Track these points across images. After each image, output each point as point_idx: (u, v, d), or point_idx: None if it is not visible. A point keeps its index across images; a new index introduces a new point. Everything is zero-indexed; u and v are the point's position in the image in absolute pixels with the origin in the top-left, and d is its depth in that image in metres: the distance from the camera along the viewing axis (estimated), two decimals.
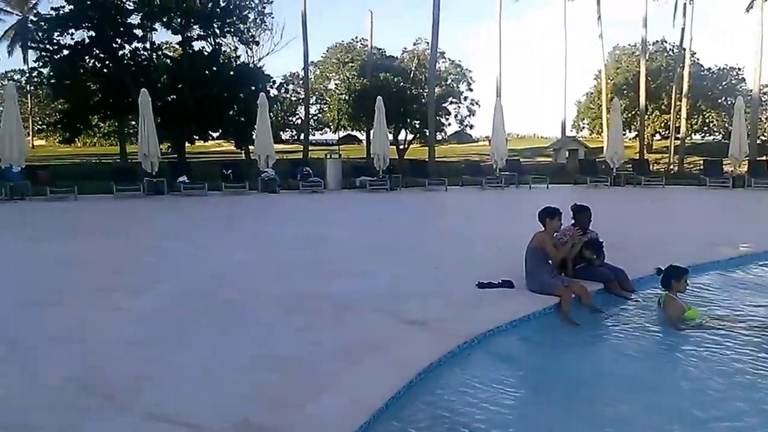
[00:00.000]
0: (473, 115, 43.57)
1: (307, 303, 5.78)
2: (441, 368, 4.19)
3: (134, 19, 29.27)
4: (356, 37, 46.79)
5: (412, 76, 40.20)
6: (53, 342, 4.68)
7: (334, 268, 7.44)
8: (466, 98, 43.16)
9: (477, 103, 43.48)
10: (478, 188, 19.59)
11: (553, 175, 23.52)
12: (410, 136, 41.97)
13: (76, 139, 38.58)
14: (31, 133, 50.54)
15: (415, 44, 42.62)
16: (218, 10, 30.02)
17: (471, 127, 45.53)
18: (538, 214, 6.20)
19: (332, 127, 48.77)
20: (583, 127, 55.17)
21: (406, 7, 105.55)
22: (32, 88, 37.70)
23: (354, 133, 51.21)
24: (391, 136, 30.03)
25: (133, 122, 34.86)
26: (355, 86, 40.70)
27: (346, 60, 45.45)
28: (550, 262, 6.13)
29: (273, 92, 35.47)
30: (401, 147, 40.49)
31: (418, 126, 39.66)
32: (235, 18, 30.95)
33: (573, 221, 6.52)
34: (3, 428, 3.24)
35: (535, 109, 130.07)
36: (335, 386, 3.77)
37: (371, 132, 29.19)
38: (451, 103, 42.75)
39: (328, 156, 21.03)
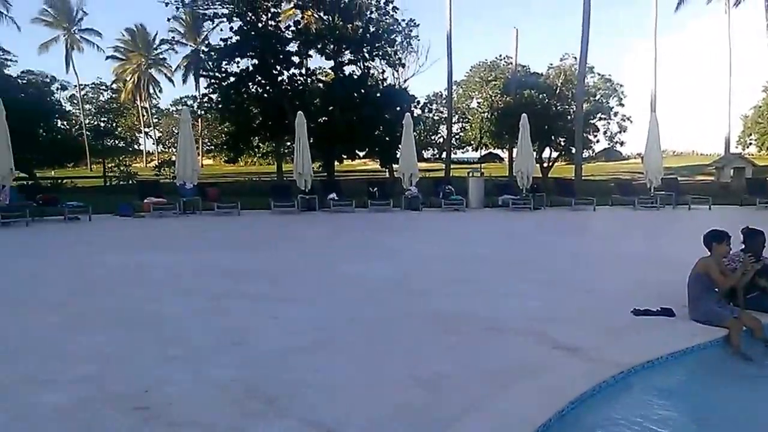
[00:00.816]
0: (624, 131, 41.33)
1: (454, 322, 5.79)
2: (595, 399, 4.00)
3: (292, 47, 31.34)
4: (500, 55, 46.48)
5: (557, 92, 39.07)
6: (222, 345, 5.09)
7: (479, 288, 7.42)
8: (616, 114, 41.10)
9: (629, 119, 41.23)
10: (629, 208, 18.55)
11: (716, 196, 21.64)
12: (555, 154, 40.74)
13: (239, 159, 41.75)
14: (200, 154, 55.60)
15: (561, 59, 41.46)
16: (368, 35, 31.21)
17: (621, 144, 43.15)
18: (704, 238, 5.76)
19: (474, 145, 48.66)
20: (750, 143, 50.33)
21: (552, 23, 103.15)
22: (202, 112, 41.47)
23: (496, 151, 50.67)
24: (534, 154, 29.33)
25: (289, 143, 37.17)
26: (497, 104, 40.33)
27: (489, 78, 45.24)
28: (716, 290, 5.66)
29: (417, 112, 36.14)
30: (545, 165, 39.41)
31: (563, 143, 38.41)
32: (383, 42, 32.01)
33: (743, 246, 5.98)
34: (177, 425, 3.58)
35: (693, 125, 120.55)
36: (483, 409, 3.74)
37: (514, 150, 28.72)
38: (600, 119, 40.89)
39: (471, 174, 21.00)
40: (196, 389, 4.13)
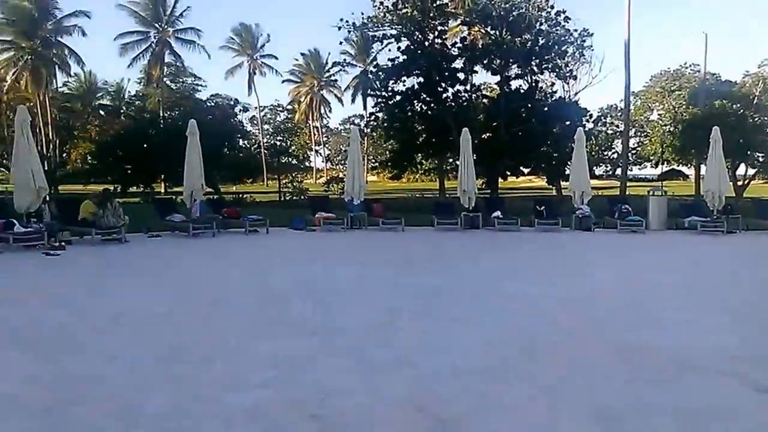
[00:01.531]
0: None
1: (635, 353, 5.26)
2: None
3: (458, 64, 31.36)
4: (685, 63, 42.86)
5: (755, 102, 35.04)
6: (392, 361, 5.01)
7: (662, 318, 6.68)
8: None
9: None
10: None
11: None
12: (751, 171, 36.51)
13: (402, 176, 42.57)
14: (366, 170, 57.69)
15: (760, 66, 37.23)
16: (537, 48, 30.31)
17: None
18: None
19: (653, 160, 45.20)
20: None
21: (749, 26, 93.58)
22: (368, 130, 42.96)
23: (679, 167, 46.61)
24: (728, 171, 26.39)
25: (451, 159, 37.13)
26: (682, 116, 37.11)
27: (672, 88, 41.86)
28: None
29: (588, 126, 34.33)
30: (740, 183, 35.42)
31: (761, 159, 34.30)
32: (553, 54, 30.88)
33: None
34: None
35: None
36: None
37: (701, 166, 26.05)
38: None
39: (651, 192, 19.25)
40: (368, 403, 4.11)
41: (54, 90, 53.56)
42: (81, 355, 5.14)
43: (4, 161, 43.99)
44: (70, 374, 4.64)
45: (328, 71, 71.52)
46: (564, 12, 30.35)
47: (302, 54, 73.95)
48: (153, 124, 43.05)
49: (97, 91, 65.03)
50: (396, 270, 10.29)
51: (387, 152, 41.18)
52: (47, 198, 13.77)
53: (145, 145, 39.04)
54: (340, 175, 44.63)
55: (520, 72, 31.55)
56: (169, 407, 3.98)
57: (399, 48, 30.96)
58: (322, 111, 78.42)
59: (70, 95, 61.62)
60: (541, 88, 32.77)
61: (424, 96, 31.81)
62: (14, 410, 3.94)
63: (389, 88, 32.30)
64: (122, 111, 61.00)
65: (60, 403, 4.06)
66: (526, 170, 35.21)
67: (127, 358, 5.01)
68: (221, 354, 5.20)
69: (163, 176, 42.83)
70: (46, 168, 29.98)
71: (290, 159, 63.22)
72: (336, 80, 72.35)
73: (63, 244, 12.12)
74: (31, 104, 45.23)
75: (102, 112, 62.57)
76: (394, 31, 31.52)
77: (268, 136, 75.95)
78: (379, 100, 33.44)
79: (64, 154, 57.72)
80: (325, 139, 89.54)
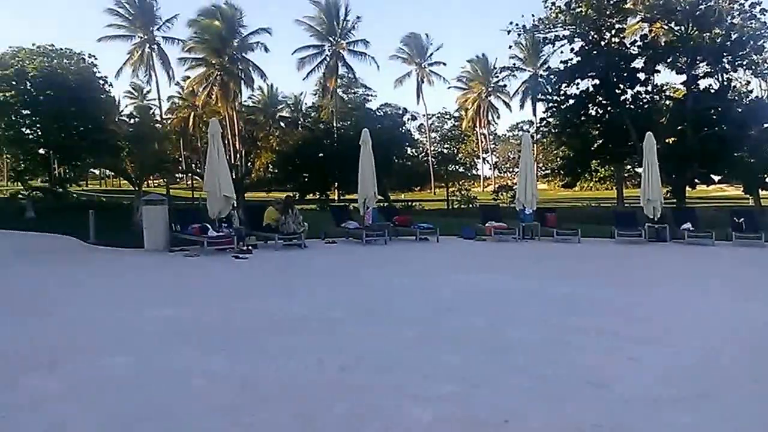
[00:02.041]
0: None
1: None
2: None
3: (637, 64, 29.24)
4: None
5: None
6: (577, 383, 4.63)
7: None
8: None
9: None
10: None
11: None
12: None
13: (575, 184, 40.73)
14: (535, 178, 55.99)
15: None
16: (729, 43, 27.33)
17: None
18: None
19: None
20: None
21: None
22: (539, 136, 41.65)
23: None
24: None
25: (629, 166, 34.71)
26: None
27: None
28: None
29: None
30: None
31: None
32: (748, 49, 27.66)
33: None
34: None
35: None
36: None
37: None
38: None
39: None
40: (556, 429, 3.78)
41: (240, 103, 58.72)
42: (264, 356, 5.33)
43: (198, 170, 48.85)
44: (260, 374, 4.80)
45: (496, 77, 70.76)
46: (759, 3, 27.06)
47: (469, 60, 74.03)
48: (328, 134, 45.48)
49: (277, 103, 70.29)
50: (573, 284, 9.67)
51: (558, 159, 39.60)
52: (235, 204, 14.89)
53: (320, 155, 41.37)
54: (509, 183, 43.71)
55: (709, 70, 28.66)
56: (350, 416, 3.97)
57: (572, 49, 29.62)
58: (490, 117, 77.74)
59: (254, 108, 67.21)
60: (735, 87, 29.50)
61: (600, 99, 30.08)
62: (200, 410, 4.10)
63: (561, 92, 31.02)
64: (300, 122, 65.24)
65: (246, 403, 4.19)
66: (716, 178, 31.92)
67: (308, 362, 5.09)
68: (397, 363, 5.13)
69: (336, 184, 45.07)
70: (234, 177, 32.73)
71: (457, 167, 63.41)
72: (504, 86, 71.39)
73: (250, 248, 13.04)
74: (221, 117, 49.90)
75: (282, 124, 67.48)
76: (567, 32, 30.17)
77: (435, 144, 76.83)
78: (551, 104, 32.26)
79: (249, 164, 62.97)
80: (492, 146, 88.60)
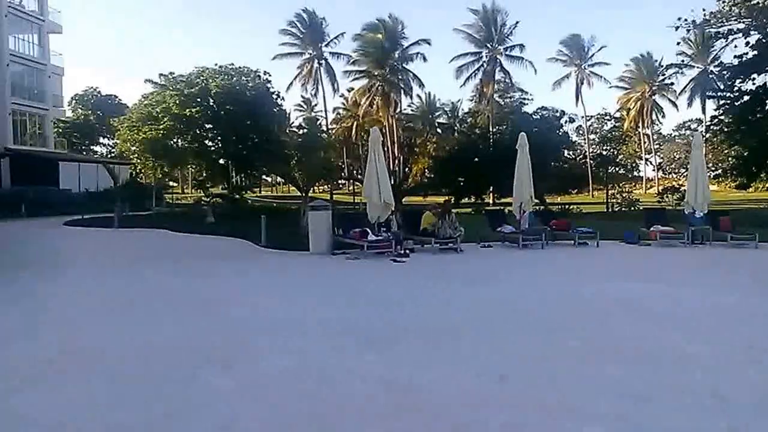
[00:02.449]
0: None
1: None
2: None
3: None
4: None
5: None
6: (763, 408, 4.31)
7: None
8: None
9: None
10: None
11: None
12: None
13: (750, 185, 36.93)
14: (706, 179, 51.43)
15: None
16: None
17: None
18: None
19: None
20: None
21: None
22: (708, 135, 38.30)
23: None
24: None
25: None
26: None
27: None
28: None
29: None
30: None
31: None
32: None
33: None
34: None
35: None
36: None
37: None
38: None
39: None
40: None
41: (399, 112, 60.74)
42: (422, 362, 5.48)
43: (359, 176, 51.06)
44: (417, 381, 4.92)
45: (662, 75, 66.15)
46: None
47: (632, 59, 69.99)
48: (483, 139, 45.55)
49: (435, 110, 71.53)
50: (753, 296, 8.89)
51: (730, 159, 36.20)
52: (393, 209, 15.44)
53: (476, 159, 41.51)
54: (675, 185, 40.64)
55: None
56: (511, 428, 4.00)
57: (747, 43, 27.13)
58: (654, 117, 72.84)
59: (413, 116, 68.99)
60: None
61: None
62: (356, 415, 4.32)
63: (735, 88, 28.43)
64: (456, 128, 65.79)
65: (402, 410, 4.35)
66: None
67: (466, 371, 5.16)
68: (559, 375, 5.06)
69: (491, 188, 44.93)
70: (392, 182, 33.72)
71: (617, 169, 59.97)
72: (671, 84, 66.54)
73: (407, 251, 13.52)
74: (381, 125, 51.89)
75: (439, 130, 68.48)
76: (741, 25, 27.67)
77: (594, 146, 73.51)
78: (723, 101, 29.68)
79: (407, 169, 64.65)
80: (656, 146, 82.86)
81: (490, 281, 10.50)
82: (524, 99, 62.19)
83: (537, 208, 22.19)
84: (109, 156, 61.19)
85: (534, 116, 52.47)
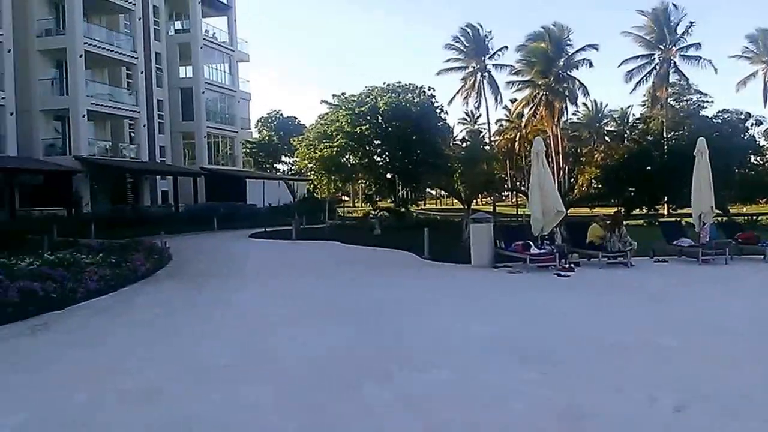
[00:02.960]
0: None
1: None
2: None
3: None
4: None
5: None
6: None
7: None
8: None
9: None
10: None
11: None
12: None
13: None
14: None
15: None
16: None
17: None
18: None
19: None
20: None
21: None
22: None
23: None
24: None
25: None
26: None
27: None
28: None
29: None
30: None
31: None
32: None
33: None
34: None
35: None
36: None
37: None
38: None
39: None
40: None
41: (564, 121, 58.78)
42: (585, 383, 5.25)
43: (523, 188, 50.10)
44: (580, 403, 4.72)
45: None
46: None
47: None
48: (657, 146, 42.55)
49: (602, 118, 68.13)
50: None
51: None
52: (560, 221, 14.87)
53: (648, 168, 38.88)
54: None
55: None
56: None
57: None
58: None
59: (578, 124, 66.34)
60: None
61: None
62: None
63: None
64: (626, 135, 62.06)
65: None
66: None
67: (637, 397, 4.83)
68: (745, 407, 4.60)
69: (666, 198, 41.79)
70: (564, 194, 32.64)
71: None
72: None
73: (572, 265, 13.01)
74: (546, 136, 50.52)
75: (607, 138, 65.03)
76: None
77: None
78: None
79: (572, 180, 62.14)
80: None
81: (666, 298, 9.79)
82: (703, 101, 57.05)
83: (719, 219, 20.29)
84: (289, 173, 66.09)
85: (714, 120, 48.16)
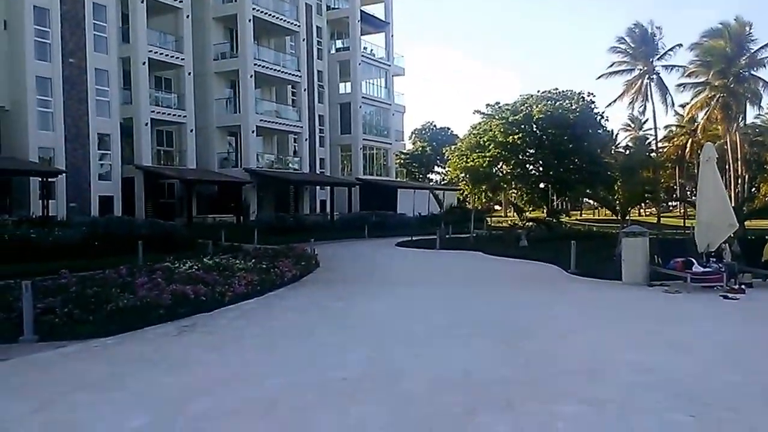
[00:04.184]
0: None
1: None
2: None
3: None
4: None
5: None
6: None
7: None
8: None
9: None
10: None
11: None
12: None
13: None
14: None
15: None
16: None
17: None
18: None
19: None
20: None
21: None
22: None
23: None
24: None
25: None
26: None
27: None
28: None
29: None
30: None
31: None
32: None
33: None
34: None
35: None
36: None
37: None
38: None
39: None
40: None
41: (744, 125, 52.66)
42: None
43: (693, 197, 45.71)
44: None
45: None
46: None
47: None
48: None
49: None
50: None
51: None
52: (731, 236, 13.14)
53: None
54: None
55: None
56: None
57: None
58: None
59: (762, 128, 59.11)
60: None
61: None
62: None
63: None
64: None
65: None
66: None
67: None
68: None
69: None
70: (732, 204, 29.17)
71: None
72: None
73: (743, 286, 11.38)
74: (722, 141, 45.58)
75: None
76: None
77: None
78: None
79: (753, 189, 55.54)
80: None
81: None
82: None
83: None
84: (441, 183, 66.27)
85: None
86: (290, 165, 39.67)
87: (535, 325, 8.66)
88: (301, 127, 39.16)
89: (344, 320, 9.20)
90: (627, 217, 20.30)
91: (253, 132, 35.49)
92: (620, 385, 5.58)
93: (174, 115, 33.11)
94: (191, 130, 33.54)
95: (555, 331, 8.28)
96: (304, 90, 39.47)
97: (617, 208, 21.63)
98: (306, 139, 39.65)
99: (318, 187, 40.89)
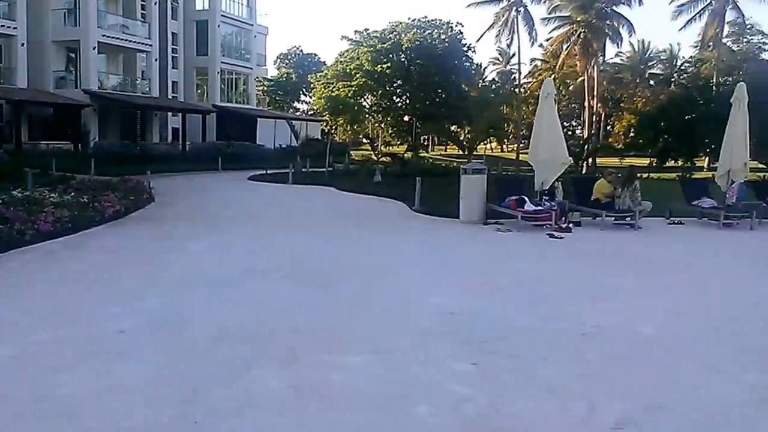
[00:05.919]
0: None
1: None
2: None
3: None
4: None
5: None
6: None
7: None
8: None
9: None
10: None
11: None
12: None
13: None
14: None
15: None
16: None
17: None
18: None
19: None
20: None
21: None
22: None
23: None
24: None
25: None
26: None
27: None
28: None
29: None
30: None
31: None
32: None
33: None
34: None
35: None
36: None
37: None
38: None
39: None
40: None
41: (603, 62, 54.59)
42: (525, 386, 4.21)
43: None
44: (507, 411, 3.76)
45: None
46: None
47: None
48: (703, 92, 39.09)
49: (649, 60, 63.39)
50: None
51: None
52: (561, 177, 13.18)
53: (692, 115, 35.77)
54: None
55: None
56: None
57: None
58: None
59: (621, 66, 61.94)
60: None
61: None
62: None
63: None
64: (673, 80, 58.09)
65: None
66: None
67: (575, 408, 3.83)
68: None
69: (708, 151, 38.75)
70: (588, 143, 30.53)
71: None
72: None
73: (571, 225, 11.57)
74: (581, 77, 47.26)
75: (652, 82, 61.08)
76: None
77: None
78: None
79: (609, 127, 58.91)
80: None
81: (660, 270, 8.42)
82: (764, 43, 52.27)
83: (758, 178, 18.46)
84: (308, 113, 63.93)
85: None
86: (139, 89, 36.24)
87: (357, 267, 8.24)
88: (151, 45, 35.41)
89: (154, 263, 8.26)
90: (471, 153, 20.36)
91: (94, 48, 31.72)
92: (416, 332, 5.26)
93: (2, 26, 28.70)
94: (22, 44, 29.27)
95: (375, 272, 7.88)
96: (155, 3, 35.70)
97: (465, 144, 21.70)
98: (156, 60, 36.02)
99: (170, 114, 37.82)
